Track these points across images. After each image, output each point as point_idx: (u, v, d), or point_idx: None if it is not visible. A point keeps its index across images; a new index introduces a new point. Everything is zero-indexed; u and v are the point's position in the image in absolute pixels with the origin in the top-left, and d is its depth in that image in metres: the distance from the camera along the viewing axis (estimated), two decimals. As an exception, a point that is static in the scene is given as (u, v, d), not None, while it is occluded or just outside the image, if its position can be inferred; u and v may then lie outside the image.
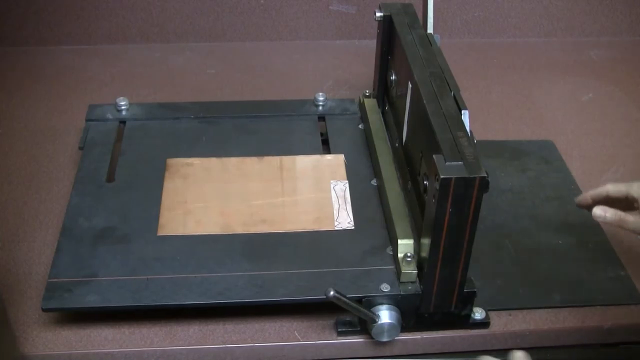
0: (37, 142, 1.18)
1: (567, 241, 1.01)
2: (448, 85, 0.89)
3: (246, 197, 0.99)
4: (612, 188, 0.90)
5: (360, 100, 1.18)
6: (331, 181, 1.02)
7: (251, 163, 1.05)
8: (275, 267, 0.88)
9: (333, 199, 0.99)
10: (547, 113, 1.32)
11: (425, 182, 0.82)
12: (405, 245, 0.87)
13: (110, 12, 1.44)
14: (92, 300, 0.84)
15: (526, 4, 1.52)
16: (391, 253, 0.90)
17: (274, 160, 1.06)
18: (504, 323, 0.90)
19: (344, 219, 0.96)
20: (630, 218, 0.84)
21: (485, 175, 0.74)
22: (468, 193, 0.74)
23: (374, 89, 1.16)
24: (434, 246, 0.78)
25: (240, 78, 1.39)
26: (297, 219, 0.96)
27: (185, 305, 0.85)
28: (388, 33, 1.07)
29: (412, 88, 0.93)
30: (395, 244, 0.89)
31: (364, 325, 0.86)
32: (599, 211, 0.86)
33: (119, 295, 0.84)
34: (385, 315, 0.84)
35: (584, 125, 1.29)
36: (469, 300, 0.85)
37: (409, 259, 0.85)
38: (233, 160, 1.06)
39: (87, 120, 1.13)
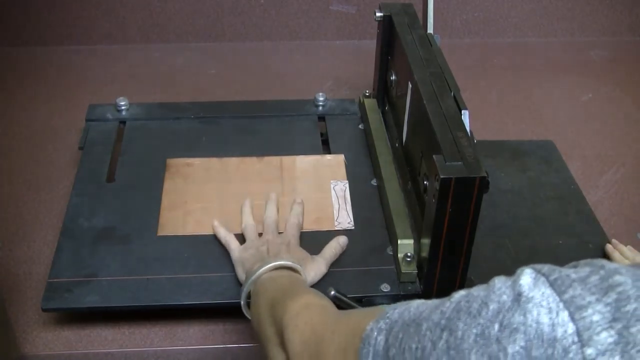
0: (37, 142, 1.18)
1: (567, 241, 1.00)
2: (448, 85, 0.89)
3: (246, 197, 0.99)
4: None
5: (360, 100, 1.18)
6: (331, 181, 1.02)
7: (251, 163, 1.05)
8: (275, 267, 0.88)
9: (333, 199, 0.99)
10: (547, 113, 1.32)
11: (425, 182, 0.82)
12: (405, 245, 0.87)
13: (110, 12, 1.44)
14: (92, 300, 0.84)
15: (526, 4, 1.52)
16: (391, 253, 0.90)
17: (274, 160, 1.06)
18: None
19: (344, 219, 0.96)
20: (617, 254, 0.95)
21: (486, 175, 0.74)
22: (468, 193, 0.74)
23: (374, 89, 1.15)
24: (434, 246, 0.78)
25: (240, 78, 1.39)
26: (297, 219, 0.96)
27: (185, 305, 0.85)
28: (388, 33, 1.07)
29: (412, 88, 0.93)
30: (395, 244, 0.89)
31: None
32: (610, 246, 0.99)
33: (119, 295, 0.84)
34: (385, 315, 0.84)
35: (584, 125, 1.29)
36: (469, 300, 0.85)
37: (409, 259, 0.85)
38: (233, 160, 1.06)
39: (87, 120, 1.13)
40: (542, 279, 0.43)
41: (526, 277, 0.44)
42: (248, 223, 0.92)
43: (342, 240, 0.90)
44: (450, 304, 0.47)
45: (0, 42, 1.44)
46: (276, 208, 0.95)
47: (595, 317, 0.40)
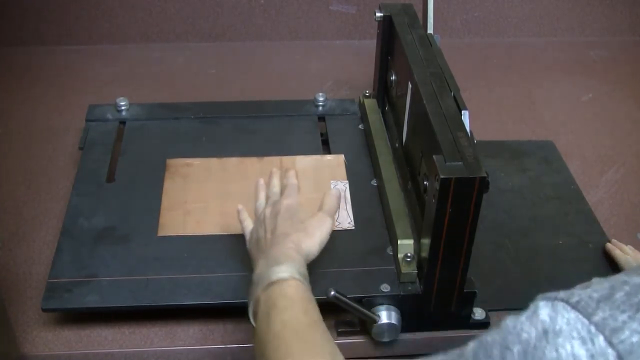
0: (37, 142, 1.18)
1: (567, 241, 1.01)
2: (448, 85, 0.89)
3: (246, 197, 0.99)
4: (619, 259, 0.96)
5: (360, 100, 1.18)
6: (331, 181, 1.02)
7: (251, 163, 1.05)
8: (275, 267, 0.88)
9: (333, 199, 0.99)
10: (547, 113, 1.32)
11: (425, 182, 0.82)
12: (405, 245, 0.87)
13: (110, 12, 1.44)
14: (92, 300, 0.84)
15: (526, 4, 1.52)
16: (391, 253, 0.90)
17: (274, 160, 1.06)
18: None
19: (344, 219, 0.96)
20: (618, 251, 0.95)
21: (485, 175, 0.74)
22: (468, 193, 0.74)
23: (374, 89, 1.16)
24: (434, 246, 0.78)
25: (240, 78, 1.39)
26: (297, 219, 0.96)
27: (185, 306, 0.85)
28: (388, 33, 1.07)
29: (412, 88, 0.93)
30: (395, 244, 0.89)
31: (364, 325, 0.86)
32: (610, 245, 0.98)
33: (119, 295, 0.84)
34: (385, 315, 0.84)
35: (584, 125, 1.29)
36: (469, 301, 0.85)
37: (409, 259, 0.85)
38: (233, 160, 1.06)
39: (87, 120, 1.13)
40: (561, 304, 0.40)
41: (544, 309, 0.41)
42: (260, 203, 0.89)
43: (335, 192, 0.88)
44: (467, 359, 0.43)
45: (0, 42, 1.45)
46: (279, 181, 0.92)
47: (635, 338, 0.37)
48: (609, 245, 0.97)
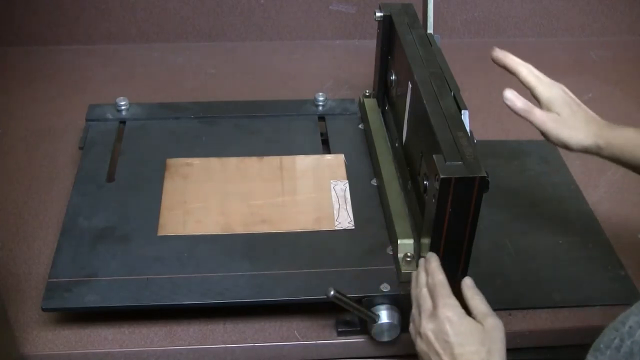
0: (37, 142, 1.18)
1: (567, 241, 1.01)
2: (448, 85, 0.89)
3: (246, 197, 0.99)
4: (527, 75, 0.87)
5: (360, 100, 1.18)
6: (331, 181, 1.02)
7: (251, 163, 1.05)
8: (275, 267, 0.88)
9: (333, 199, 0.99)
10: (547, 113, 1.31)
11: (425, 182, 0.82)
12: (405, 245, 0.87)
13: (110, 12, 1.44)
14: (92, 300, 0.84)
15: (526, 4, 1.52)
16: (391, 253, 0.90)
17: (274, 160, 1.06)
18: (504, 323, 0.90)
19: (344, 219, 0.96)
20: (538, 112, 0.85)
21: (485, 175, 0.74)
22: (468, 193, 0.74)
23: (374, 89, 1.16)
24: (434, 246, 0.78)
25: (240, 78, 1.39)
26: (297, 219, 0.96)
27: (185, 305, 0.85)
28: (388, 33, 1.07)
29: (412, 88, 0.93)
30: (395, 244, 0.89)
31: (364, 325, 0.86)
32: (510, 95, 0.85)
33: (119, 295, 0.84)
34: (385, 315, 0.84)
35: (584, 125, 1.28)
36: (469, 300, 0.85)
37: (409, 259, 0.85)
38: (233, 160, 1.06)
39: (87, 120, 1.13)
40: None
41: None
42: (414, 313, 0.77)
43: (468, 282, 0.78)
44: None
45: (0, 42, 1.45)
46: (424, 278, 0.77)
47: None
48: (505, 58, 0.88)
